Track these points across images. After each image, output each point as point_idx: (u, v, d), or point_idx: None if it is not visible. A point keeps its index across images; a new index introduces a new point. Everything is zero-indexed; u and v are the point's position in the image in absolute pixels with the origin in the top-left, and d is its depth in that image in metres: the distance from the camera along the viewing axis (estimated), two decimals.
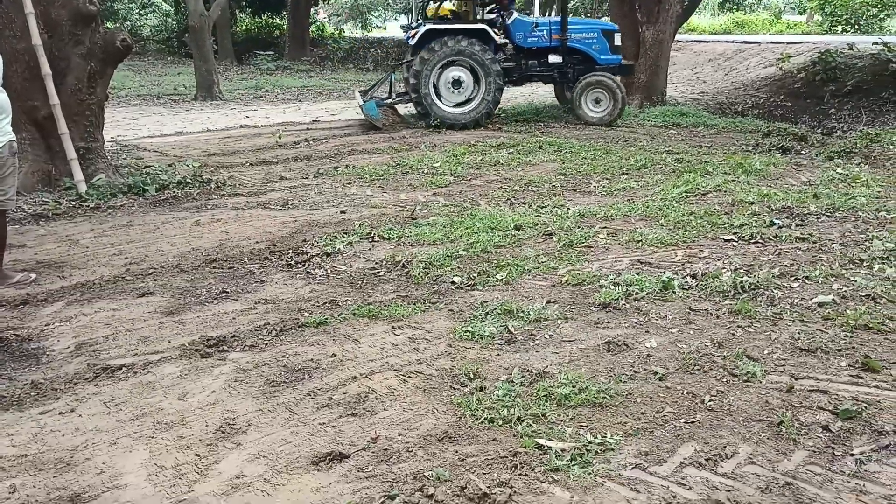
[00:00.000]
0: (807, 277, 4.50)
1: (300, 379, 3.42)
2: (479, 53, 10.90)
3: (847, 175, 7.38)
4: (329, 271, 4.95)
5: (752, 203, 6.29)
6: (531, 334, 3.86)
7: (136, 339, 3.91)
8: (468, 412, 3.04)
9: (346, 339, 3.84)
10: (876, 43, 13.08)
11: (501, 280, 4.67)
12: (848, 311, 3.96)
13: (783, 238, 5.31)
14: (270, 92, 17.01)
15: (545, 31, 11.51)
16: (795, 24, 33.30)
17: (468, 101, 11.14)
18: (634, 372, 3.40)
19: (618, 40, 11.64)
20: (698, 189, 6.85)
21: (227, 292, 4.59)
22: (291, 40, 25.72)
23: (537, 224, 5.83)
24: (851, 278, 4.46)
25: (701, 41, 20.80)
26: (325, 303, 4.37)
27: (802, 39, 18.29)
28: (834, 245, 5.12)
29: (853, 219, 5.80)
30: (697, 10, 26.28)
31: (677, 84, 16.42)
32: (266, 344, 3.81)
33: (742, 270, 4.64)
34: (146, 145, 9.75)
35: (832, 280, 4.45)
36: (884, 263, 4.69)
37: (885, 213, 5.87)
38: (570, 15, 12.21)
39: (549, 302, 4.29)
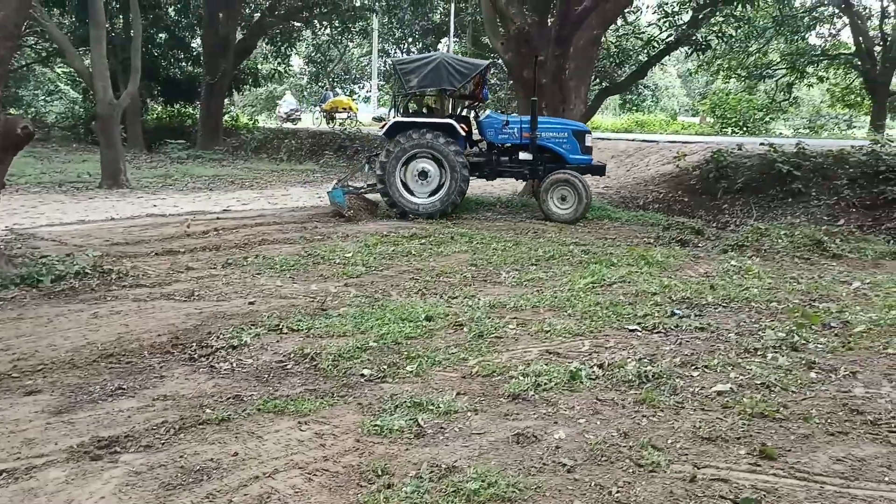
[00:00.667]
0: (706, 366, 4.66)
1: (198, 480, 3.25)
2: (443, 146, 11.13)
3: (741, 267, 7.77)
4: (234, 365, 4.80)
5: (655, 294, 6.52)
6: (441, 427, 3.81)
7: (20, 442, 3.64)
8: None
9: (250, 437, 3.69)
10: (762, 144, 14.05)
11: (412, 372, 4.63)
12: (745, 399, 4.10)
13: (684, 328, 5.50)
14: (180, 181, 16.79)
15: (516, 129, 11.82)
16: (690, 125, 35.60)
17: (434, 192, 11.34)
18: (543, 464, 3.39)
19: (589, 141, 11.96)
20: (604, 280, 7.06)
21: (124, 389, 4.36)
22: (204, 129, 25.62)
23: (448, 315, 5.85)
24: (747, 367, 4.63)
25: (604, 139, 21.87)
26: (229, 398, 4.22)
27: (696, 139, 19.50)
28: (730, 335, 5.34)
29: (747, 309, 6.08)
30: (600, 109, 27.80)
31: None
32: (163, 444, 3.62)
33: (646, 360, 4.76)
34: (44, 234, 9.37)
35: (729, 369, 4.62)
36: (776, 352, 4.91)
37: (775, 304, 6.19)
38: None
39: (459, 394, 4.27)
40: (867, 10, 28.83)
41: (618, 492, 3.12)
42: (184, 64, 29.13)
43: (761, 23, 26.10)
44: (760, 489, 3.13)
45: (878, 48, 27.88)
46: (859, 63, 28.39)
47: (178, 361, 4.87)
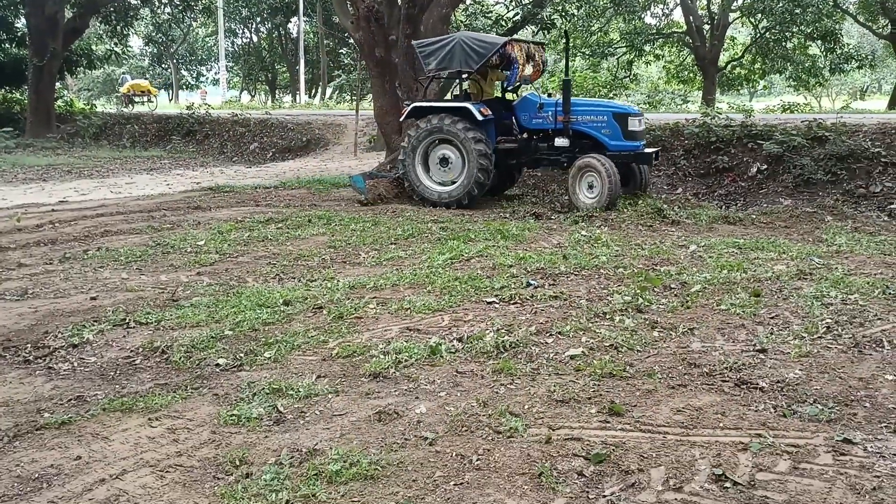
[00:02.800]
0: (560, 333, 4.85)
1: (38, 489, 3.02)
2: (459, 131, 10.36)
3: (590, 237, 8.13)
4: (76, 364, 4.49)
5: (511, 266, 6.70)
6: (301, 412, 3.75)
7: None
8: (233, 503, 2.86)
9: (95, 438, 3.47)
10: None
11: (270, 358, 4.52)
12: (595, 361, 4.30)
13: (538, 297, 5.69)
14: (9, 172, 15.49)
15: (550, 113, 10.63)
16: None
17: (455, 180, 10.63)
18: (405, 440, 3.41)
19: (636, 124, 10.43)
20: (462, 255, 7.17)
21: None
22: (34, 115, 23.69)
23: (307, 298, 5.75)
24: (597, 331, 4.86)
25: None
26: (70, 399, 3.94)
27: None
28: (581, 301, 5.57)
29: (597, 276, 6.37)
30: (454, 87, 28.10)
31: None
32: None
33: (503, 331, 4.89)
34: None
35: (581, 334, 4.83)
36: (623, 315, 5.18)
37: (622, 270, 6.52)
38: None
39: (319, 377, 4.21)
40: None
41: (478, 460, 3.19)
42: (7, 45, 26.75)
43: (601, 3, 27.26)
44: (610, 444, 3.29)
45: (706, 27, 29.86)
46: (690, 41, 30.32)
47: (10, 365, 4.49)
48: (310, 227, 8.87)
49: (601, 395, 3.85)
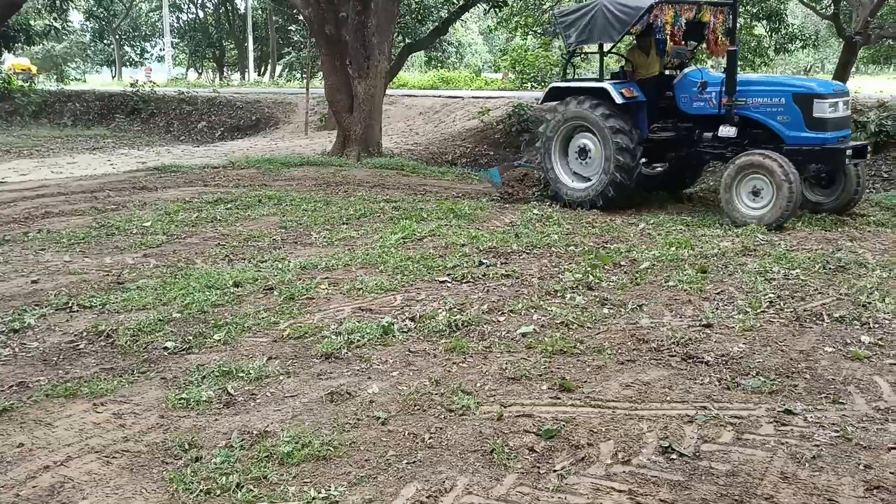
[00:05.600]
0: (511, 311, 4.88)
1: None
2: (598, 119, 8.54)
3: (542, 215, 8.19)
4: (17, 350, 4.36)
5: (463, 245, 6.71)
6: (252, 394, 3.71)
7: None
8: (182, 487, 2.82)
9: (38, 425, 3.38)
10: None
11: (220, 340, 4.45)
12: (546, 338, 4.35)
13: (491, 276, 5.72)
14: None
15: (714, 94, 8.32)
16: (493, 81, 36.68)
17: (591, 176, 8.89)
18: (358, 420, 3.41)
19: (824, 109, 7.77)
20: (415, 235, 7.15)
21: None
22: None
23: (257, 279, 5.68)
24: (548, 308, 4.91)
25: (411, 95, 22.07)
26: (12, 386, 3.83)
27: (499, 95, 20.16)
28: (533, 279, 5.62)
29: (548, 254, 6.43)
30: (406, 66, 27.90)
31: (392, 136, 17.21)
32: None
33: (456, 309, 4.90)
34: None
35: (533, 311, 4.87)
36: (574, 293, 5.24)
37: (573, 248, 6.59)
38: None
39: (270, 358, 4.17)
40: None
41: (430, 438, 3.20)
42: None
43: None
44: (560, 419, 3.34)
45: None
46: None
47: None
48: (260, 208, 8.75)
49: (552, 371, 3.90)
